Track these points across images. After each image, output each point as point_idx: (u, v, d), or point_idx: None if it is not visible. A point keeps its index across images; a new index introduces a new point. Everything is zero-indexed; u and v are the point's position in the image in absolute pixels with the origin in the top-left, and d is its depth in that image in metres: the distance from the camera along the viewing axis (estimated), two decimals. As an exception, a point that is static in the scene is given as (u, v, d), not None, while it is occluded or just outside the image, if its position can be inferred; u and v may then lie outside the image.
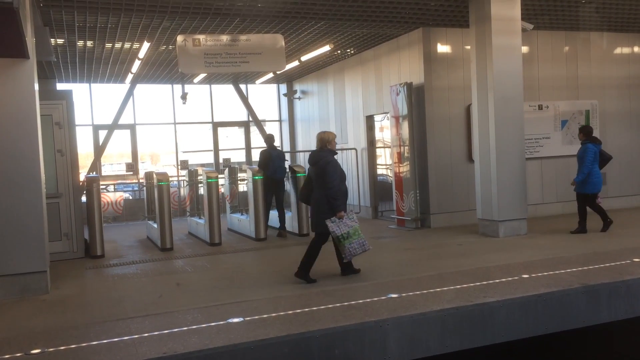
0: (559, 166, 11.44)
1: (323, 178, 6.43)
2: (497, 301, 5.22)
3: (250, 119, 16.49)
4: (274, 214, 10.79)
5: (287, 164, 10.65)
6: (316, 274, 6.62)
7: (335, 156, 6.69)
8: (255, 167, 10.31)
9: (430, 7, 9.33)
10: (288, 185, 10.73)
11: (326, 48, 11.61)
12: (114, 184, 14.95)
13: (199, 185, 10.91)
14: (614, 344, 6.89)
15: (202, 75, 14.10)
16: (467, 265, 6.97)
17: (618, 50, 12.07)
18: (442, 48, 10.56)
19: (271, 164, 10.11)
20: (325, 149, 6.65)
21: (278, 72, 13.94)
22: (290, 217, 10.54)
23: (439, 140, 10.49)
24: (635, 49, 12.20)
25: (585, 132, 9.06)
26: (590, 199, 8.91)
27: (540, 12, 10.03)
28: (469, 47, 9.74)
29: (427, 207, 10.44)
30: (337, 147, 13.81)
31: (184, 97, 15.14)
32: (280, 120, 17.33)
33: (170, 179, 9.72)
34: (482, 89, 9.01)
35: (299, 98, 16.23)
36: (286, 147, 16.91)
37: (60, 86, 14.08)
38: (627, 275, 5.92)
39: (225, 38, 9.29)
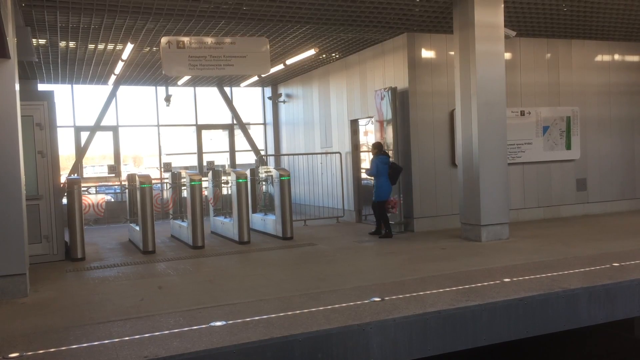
0: (540, 171, 11.58)
1: None
2: (479, 305, 5.26)
3: (235, 122, 16.44)
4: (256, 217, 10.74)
5: None
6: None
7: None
8: (240, 170, 10.28)
9: (415, 12, 9.40)
10: (272, 189, 10.71)
11: (311, 52, 11.63)
12: (95, 186, 14.77)
13: (182, 187, 10.85)
14: (593, 347, 6.97)
15: (186, 78, 14.03)
16: (449, 269, 7.01)
17: (599, 58, 12.26)
18: (427, 53, 10.63)
19: None
20: None
21: (263, 76, 13.93)
22: (274, 220, 10.51)
23: (423, 144, 10.55)
24: (616, 56, 12.41)
25: (377, 147, 9.97)
26: (379, 205, 9.87)
27: (522, 19, 10.16)
28: (452, 52, 9.83)
29: (411, 211, 10.48)
30: (321, 150, 13.88)
31: (167, 99, 15.04)
32: (264, 124, 17.31)
33: (153, 181, 9.65)
34: (466, 95, 9.08)
35: (284, 101, 16.22)
36: (270, 151, 16.88)
37: (42, 87, 13.90)
38: (607, 280, 5.99)
39: (209, 40, 9.26)
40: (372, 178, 10.06)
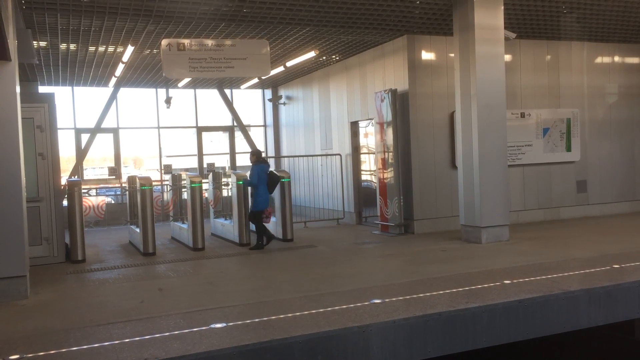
0: (540, 173, 11.58)
1: None
2: (479, 307, 5.26)
3: (235, 124, 16.45)
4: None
5: None
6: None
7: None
8: (240, 171, 10.29)
9: (415, 14, 9.41)
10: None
11: (311, 54, 11.65)
12: (96, 188, 14.81)
13: (183, 189, 10.85)
14: (593, 350, 6.97)
15: (186, 80, 14.05)
16: (449, 270, 7.01)
17: (599, 60, 12.27)
18: (427, 55, 10.65)
19: None
20: None
21: (263, 78, 13.94)
22: (274, 222, 10.52)
23: (423, 146, 10.56)
24: (616, 58, 12.42)
25: (256, 154, 9.76)
26: (256, 215, 9.48)
27: (522, 21, 10.18)
28: (452, 54, 9.84)
29: (411, 213, 10.48)
30: (322, 152, 13.88)
31: (168, 101, 15.06)
32: (265, 126, 17.32)
33: (154, 183, 9.66)
34: (466, 97, 9.09)
35: (284, 103, 16.24)
36: (271, 152, 16.89)
37: (43, 89, 13.93)
38: (607, 282, 6.00)
39: (210, 43, 9.28)
40: (251, 187, 9.63)
